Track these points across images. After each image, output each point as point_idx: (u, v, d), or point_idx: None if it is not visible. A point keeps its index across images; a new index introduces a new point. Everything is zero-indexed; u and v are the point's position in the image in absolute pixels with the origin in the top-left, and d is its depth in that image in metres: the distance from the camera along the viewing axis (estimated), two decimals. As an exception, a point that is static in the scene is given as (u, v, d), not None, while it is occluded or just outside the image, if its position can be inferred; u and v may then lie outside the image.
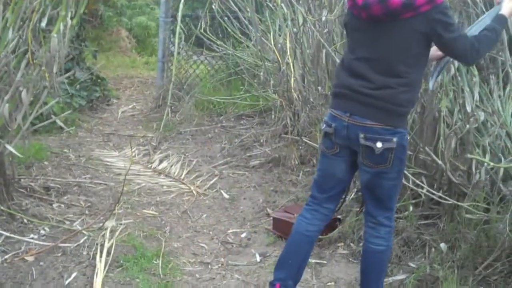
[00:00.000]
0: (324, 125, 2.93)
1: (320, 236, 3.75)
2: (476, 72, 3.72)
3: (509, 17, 2.95)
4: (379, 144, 2.76)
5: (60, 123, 5.99)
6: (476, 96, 3.61)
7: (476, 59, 2.91)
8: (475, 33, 2.85)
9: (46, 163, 5.01)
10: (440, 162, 3.60)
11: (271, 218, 4.09)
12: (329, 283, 3.41)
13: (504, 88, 3.77)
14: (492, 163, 3.39)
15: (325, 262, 3.61)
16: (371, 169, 2.83)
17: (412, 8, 2.64)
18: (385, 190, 2.89)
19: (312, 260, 3.55)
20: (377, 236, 2.96)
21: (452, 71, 3.57)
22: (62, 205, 4.26)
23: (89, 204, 4.33)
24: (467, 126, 3.49)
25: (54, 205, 4.23)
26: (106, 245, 3.62)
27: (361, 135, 2.78)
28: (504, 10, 2.90)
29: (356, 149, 2.84)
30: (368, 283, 3.02)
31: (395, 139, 2.76)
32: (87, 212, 4.20)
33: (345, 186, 3.09)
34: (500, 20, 2.89)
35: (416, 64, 2.77)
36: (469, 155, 3.47)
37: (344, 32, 2.97)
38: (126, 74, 9.17)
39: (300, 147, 5.07)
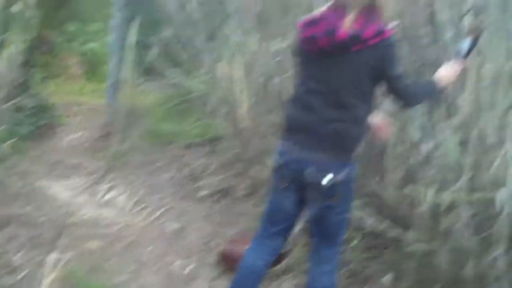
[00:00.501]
0: (274, 158, 2.91)
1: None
2: (420, 104, 3.77)
3: (444, 84, 2.98)
4: (328, 178, 2.74)
5: (5, 151, 5.89)
6: (422, 127, 3.66)
7: (413, 104, 2.98)
8: None
9: (-12, 192, 4.88)
10: (385, 193, 3.62)
11: (219, 249, 4.05)
12: (275, 317, 3.39)
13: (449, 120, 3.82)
14: (434, 195, 3.42)
15: (272, 295, 3.58)
16: (320, 203, 2.82)
17: (360, 41, 2.62)
18: (333, 224, 2.90)
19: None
20: (322, 272, 2.95)
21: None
22: (2, 238, 4.14)
23: (30, 236, 4.20)
24: (412, 157, 3.52)
25: (-6, 237, 4.12)
26: (48, 279, 3.53)
27: (311, 169, 2.76)
28: (441, 77, 2.95)
29: (305, 183, 2.82)
30: None
31: (344, 173, 2.76)
32: (28, 244, 4.08)
33: (295, 220, 3.07)
34: (436, 83, 2.94)
35: (365, 99, 2.77)
36: (413, 187, 3.50)
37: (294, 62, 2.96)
38: (75, 101, 9.03)
39: (249, 177, 5.05)
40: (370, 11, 2.63)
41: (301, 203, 2.95)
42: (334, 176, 2.74)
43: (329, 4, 2.74)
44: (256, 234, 3.06)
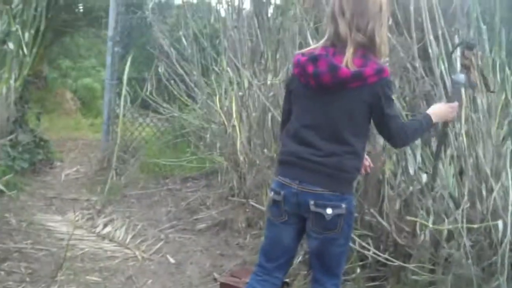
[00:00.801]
0: (272, 193, 2.90)
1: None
2: (417, 135, 3.83)
3: (436, 121, 3.00)
4: (329, 211, 2.75)
5: (1, 187, 5.88)
6: (419, 158, 3.71)
7: (404, 144, 2.99)
8: None
9: (-15, 228, 4.87)
10: (385, 223, 3.65)
11: (218, 283, 4.04)
12: None
13: (445, 150, 3.87)
14: (433, 225, 3.45)
15: (273, 326, 3.56)
16: (321, 235, 2.82)
17: (361, 78, 2.64)
18: (334, 256, 2.88)
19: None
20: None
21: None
22: (2, 272, 4.11)
23: (30, 270, 4.18)
24: (410, 188, 3.56)
25: (-6, 273, 4.10)
26: (48, 313, 3.52)
27: (311, 202, 2.76)
28: (434, 114, 2.96)
29: (305, 216, 2.82)
30: None
31: (344, 205, 2.76)
32: (28, 279, 4.05)
33: (294, 253, 3.06)
34: (428, 120, 2.94)
35: (360, 133, 2.79)
36: (411, 218, 3.53)
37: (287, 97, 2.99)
38: (70, 136, 9.07)
39: (247, 210, 5.07)
40: (367, 49, 2.67)
41: (299, 236, 2.95)
42: (336, 208, 2.76)
43: (323, 40, 2.78)
44: (256, 270, 3.04)
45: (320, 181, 2.75)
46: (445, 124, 3.40)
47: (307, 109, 2.82)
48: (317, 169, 2.76)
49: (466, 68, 3.49)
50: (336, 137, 2.75)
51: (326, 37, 2.76)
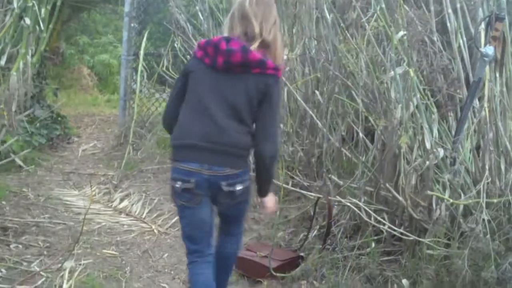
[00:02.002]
0: (180, 183, 2.95)
1: (283, 274, 3.75)
2: (435, 110, 3.79)
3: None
4: (239, 187, 2.92)
5: (19, 162, 5.92)
6: (435, 133, 3.68)
7: (272, 150, 2.98)
8: None
9: (4, 202, 4.89)
10: (401, 198, 3.63)
11: (234, 256, 4.05)
12: (292, 321, 3.39)
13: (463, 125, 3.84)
14: (451, 200, 3.43)
15: (288, 300, 3.58)
16: (233, 204, 3.01)
17: (263, 67, 2.88)
18: (244, 212, 3.19)
19: (275, 299, 3.54)
20: (233, 242, 3.24)
21: (411, 108, 3.63)
22: (20, 246, 4.15)
23: (47, 244, 4.23)
24: (427, 162, 3.53)
25: (12, 246, 4.13)
26: (65, 286, 3.55)
27: (223, 183, 2.91)
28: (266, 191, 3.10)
29: (217, 194, 2.96)
30: (223, 283, 3.26)
31: (247, 178, 2.96)
32: (45, 252, 4.10)
33: (212, 224, 3.14)
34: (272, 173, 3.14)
35: (254, 116, 2.93)
36: (429, 192, 3.50)
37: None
38: (87, 112, 9.10)
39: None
40: (267, 52, 2.92)
41: (212, 210, 3.06)
42: (243, 183, 2.94)
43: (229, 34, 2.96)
44: (190, 258, 3.09)
45: (228, 162, 2.92)
46: (472, 96, 3.46)
47: (207, 91, 2.93)
48: (224, 151, 2.89)
49: (495, 40, 3.45)
50: (238, 117, 2.90)
51: (232, 34, 2.95)
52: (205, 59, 2.93)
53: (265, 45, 2.92)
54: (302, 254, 3.94)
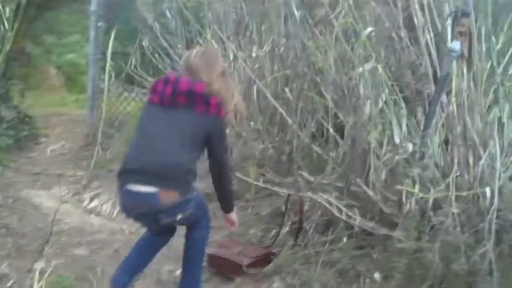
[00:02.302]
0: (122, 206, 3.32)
1: (255, 271, 3.75)
2: (403, 105, 3.82)
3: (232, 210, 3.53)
4: (179, 216, 3.19)
5: (-15, 163, 5.85)
6: (404, 127, 3.71)
7: (227, 183, 3.45)
8: None
9: (-29, 204, 4.84)
10: (371, 193, 3.66)
11: (206, 254, 4.04)
12: (265, 318, 3.39)
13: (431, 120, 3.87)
14: (421, 194, 3.46)
15: (261, 296, 3.58)
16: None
17: (206, 102, 3.13)
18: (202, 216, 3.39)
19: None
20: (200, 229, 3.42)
21: (380, 104, 3.66)
22: (-12, 248, 4.11)
23: (17, 246, 4.16)
24: (396, 157, 3.56)
25: (-20, 248, 4.08)
26: (35, 287, 3.51)
27: (162, 215, 3.17)
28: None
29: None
30: (195, 270, 3.48)
31: (191, 205, 3.17)
32: (14, 254, 4.04)
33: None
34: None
35: (197, 148, 3.20)
36: (399, 186, 3.54)
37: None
38: (55, 112, 8.97)
39: (234, 182, 5.05)
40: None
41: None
42: (185, 212, 3.17)
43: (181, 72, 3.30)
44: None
45: (168, 190, 3.10)
46: (439, 91, 3.54)
47: (155, 125, 3.20)
48: (164, 177, 3.09)
49: (461, 35, 3.49)
50: (180, 148, 3.11)
51: None
52: (154, 98, 3.22)
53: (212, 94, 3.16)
54: (274, 250, 3.95)
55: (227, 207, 3.49)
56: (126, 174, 3.19)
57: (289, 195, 4.13)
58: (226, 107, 3.21)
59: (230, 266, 3.80)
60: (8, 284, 3.59)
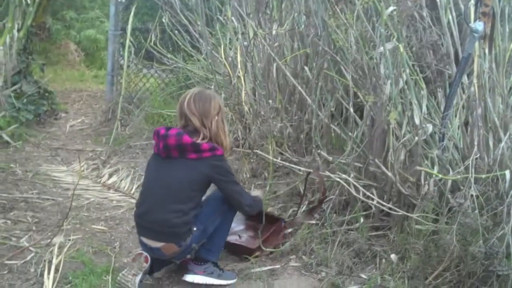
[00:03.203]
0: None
1: (272, 249, 3.76)
2: (423, 85, 3.79)
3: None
4: (189, 255, 3.47)
5: (6, 138, 5.89)
6: (424, 108, 3.68)
7: (249, 212, 3.63)
8: None
9: (-9, 178, 4.89)
10: (389, 174, 3.65)
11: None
12: (281, 296, 3.40)
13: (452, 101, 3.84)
14: (440, 175, 3.45)
15: (277, 275, 3.59)
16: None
17: (197, 150, 3.29)
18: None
19: (264, 273, 3.55)
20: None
21: (401, 84, 3.62)
22: (9, 222, 4.15)
23: (36, 220, 4.23)
24: (416, 138, 3.54)
25: (0, 222, 4.12)
26: (54, 261, 3.55)
27: (174, 260, 3.51)
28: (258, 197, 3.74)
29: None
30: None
31: (193, 245, 3.41)
32: (34, 228, 4.10)
33: None
34: (258, 200, 3.69)
35: (195, 196, 3.37)
36: (418, 167, 3.52)
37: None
38: (74, 87, 9.03)
39: (252, 160, 5.07)
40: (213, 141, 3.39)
41: None
42: (191, 252, 3.43)
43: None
44: None
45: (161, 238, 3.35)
46: (461, 72, 3.50)
47: (154, 176, 3.43)
48: (159, 230, 3.34)
49: (484, 16, 3.44)
50: (173, 199, 3.31)
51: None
52: (155, 148, 3.43)
53: (206, 137, 3.34)
54: (285, 219, 3.99)
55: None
56: (138, 226, 3.49)
57: (308, 173, 4.12)
58: (222, 145, 3.41)
59: (244, 251, 3.80)
60: (28, 258, 3.64)
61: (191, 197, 3.35)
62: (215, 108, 3.42)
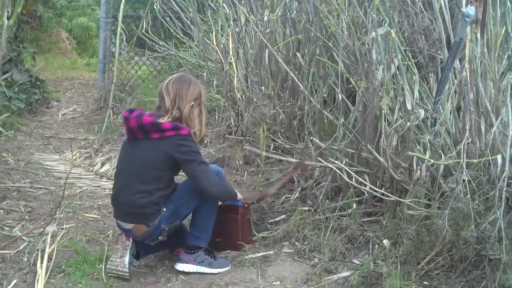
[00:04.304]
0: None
1: (264, 235, 3.77)
2: (415, 71, 3.79)
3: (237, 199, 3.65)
4: (161, 237, 3.49)
5: (-3, 126, 5.87)
6: (416, 94, 3.67)
7: (214, 193, 3.49)
8: None
9: (-17, 168, 4.87)
10: (382, 159, 3.64)
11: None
12: (274, 283, 3.40)
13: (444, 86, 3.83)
14: (432, 160, 3.45)
15: (270, 261, 3.60)
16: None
17: (159, 129, 3.31)
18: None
19: (257, 260, 3.55)
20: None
21: (393, 69, 3.62)
22: (1, 211, 4.15)
23: (29, 209, 4.22)
24: (408, 123, 3.54)
25: (-7, 211, 4.12)
26: (47, 250, 3.54)
27: (147, 241, 3.51)
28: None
29: None
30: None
31: (162, 226, 3.42)
32: (27, 217, 4.09)
33: None
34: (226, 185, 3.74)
35: (162, 176, 3.38)
36: (410, 152, 3.52)
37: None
38: (66, 76, 9.00)
39: (245, 147, 5.06)
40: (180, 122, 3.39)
41: None
42: (162, 233, 3.45)
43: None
44: None
45: (133, 221, 3.40)
46: (452, 57, 3.50)
47: (123, 158, 3.49)
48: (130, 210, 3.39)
49: (476, 0, 3.43)
50: (140, 179, 3.34)
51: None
52: (125, 131, 3.49)
53: (176, 119, 3.36)
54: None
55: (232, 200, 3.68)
56: (113, 209, 3.55)
57: (299, 160, 4.12)
58: (195, 134, 3.42)
59: (230, 245, 3.79)
60: (21, 247, 3.63)
61: (156, 176, 3.36)
62: (193, 93, 3.43)
